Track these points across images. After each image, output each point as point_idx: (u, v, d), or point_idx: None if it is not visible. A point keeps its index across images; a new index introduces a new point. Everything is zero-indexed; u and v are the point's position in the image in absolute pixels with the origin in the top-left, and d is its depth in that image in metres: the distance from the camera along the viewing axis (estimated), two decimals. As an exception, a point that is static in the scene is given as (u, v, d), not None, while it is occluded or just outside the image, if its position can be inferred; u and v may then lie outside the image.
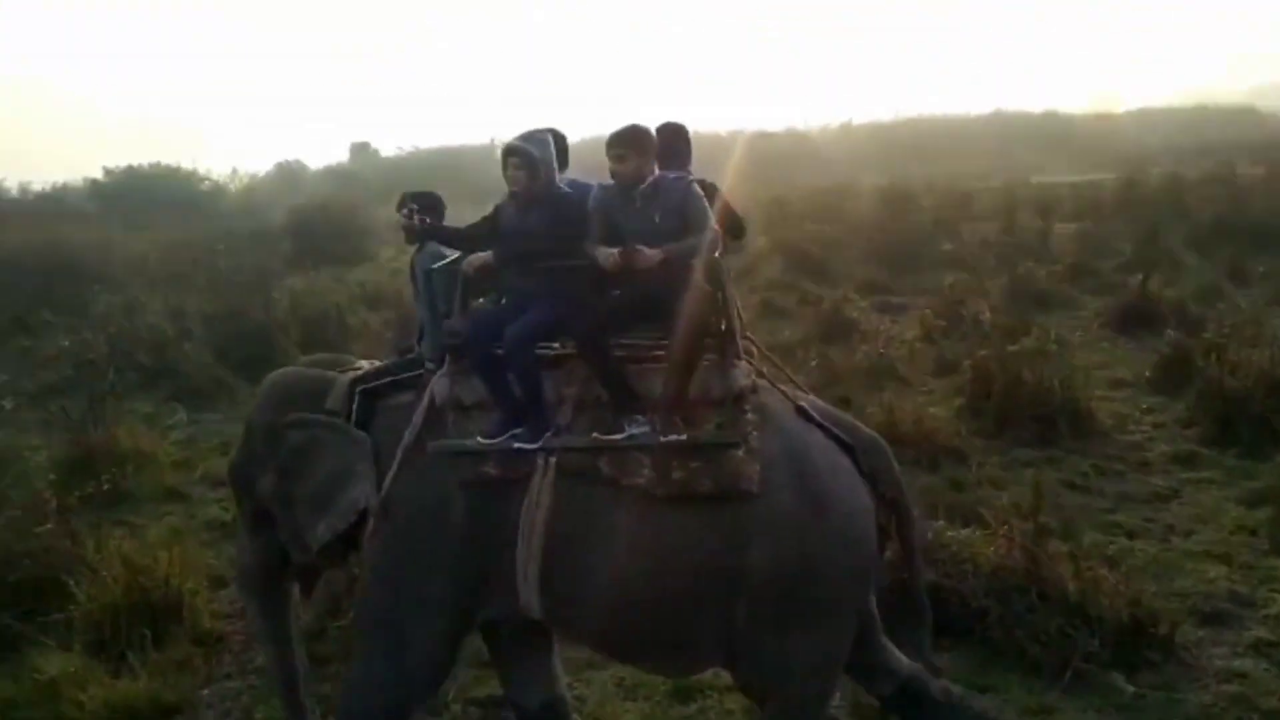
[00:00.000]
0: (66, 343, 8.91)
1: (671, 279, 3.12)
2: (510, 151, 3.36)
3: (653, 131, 3.31)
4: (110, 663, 4.47)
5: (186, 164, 41.22)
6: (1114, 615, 4.29)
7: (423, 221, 3.61)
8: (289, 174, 54.03)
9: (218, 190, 42.08)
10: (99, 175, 37.65)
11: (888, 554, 3.44)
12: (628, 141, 3.23)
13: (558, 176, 3.42)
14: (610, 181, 3.32)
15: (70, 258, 15.93)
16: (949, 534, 4.79)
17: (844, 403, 8.34)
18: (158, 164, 39.36)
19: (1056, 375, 7.29)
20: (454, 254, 3.53)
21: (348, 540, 3.41)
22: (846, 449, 3.16)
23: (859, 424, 3.36)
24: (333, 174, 51.23)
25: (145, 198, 34.93)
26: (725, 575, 3.02)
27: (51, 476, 5.64)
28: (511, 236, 3.38)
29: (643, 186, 3.24)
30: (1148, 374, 8.36)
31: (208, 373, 9.94)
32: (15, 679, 4.23)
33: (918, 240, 17.03)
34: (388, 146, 54.90)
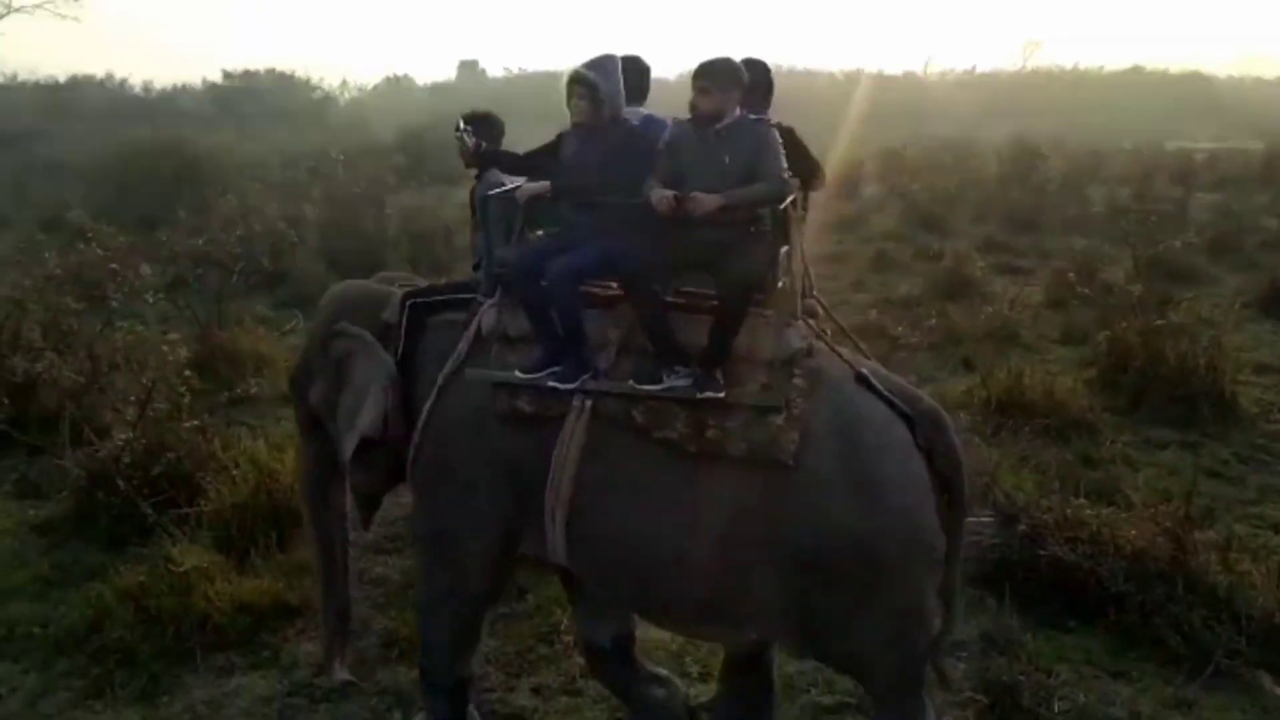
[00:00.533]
0: (199, 241, 9.13)
1: (732, 228, 2.97)
2: (574, 79, 3.18)
3: (742, 69, 3.08)
4: (236, 560, 4.62)
5: (300, 72, 42.24)
6: (1263, 612, 4.04)
7: (478, 145, 3.49)
8: (397, 88, 54.65)
9: (328, 100, 42.96)
10: (218, 78, 38.99)
11: None
12: (713, 74, 3.03)
13: (626, 108, 3.25)
14: (687, 116, 3.12)
15: (195, 159, 16.38)
16: (1088, 512, 4.56)
17: (966, 365, 8.12)
18: (273, 70, 40.49)
19: (1201, 355, 6.85)
20: (513, 182, 3.39)
21: (384, 466, 3.43)
22: (906, 420, 2.94)
23: (922, 394, 3.12)
24: (440, 91, 51.65)
25: (260, 103, 35.92)
26: (757, 543, 2.88)
27: (188, 373, 5.79)
28: (570, 168, 3.24)
29: (719, 125, 3.04)
30: (1298, 361, 7.82)
31: (321, 281, 10.15)
32: (152, 568, 4.38)
33: (1042, 200, 16.28)
34: (495, 66, 54.93)
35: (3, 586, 4.71)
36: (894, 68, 52.63)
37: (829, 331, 3.28)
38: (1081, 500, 4.70)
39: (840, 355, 3.11)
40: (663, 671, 3.77)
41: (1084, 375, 7.41)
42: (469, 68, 56.22)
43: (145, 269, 7.87)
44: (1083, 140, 28.55)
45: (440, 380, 3.26)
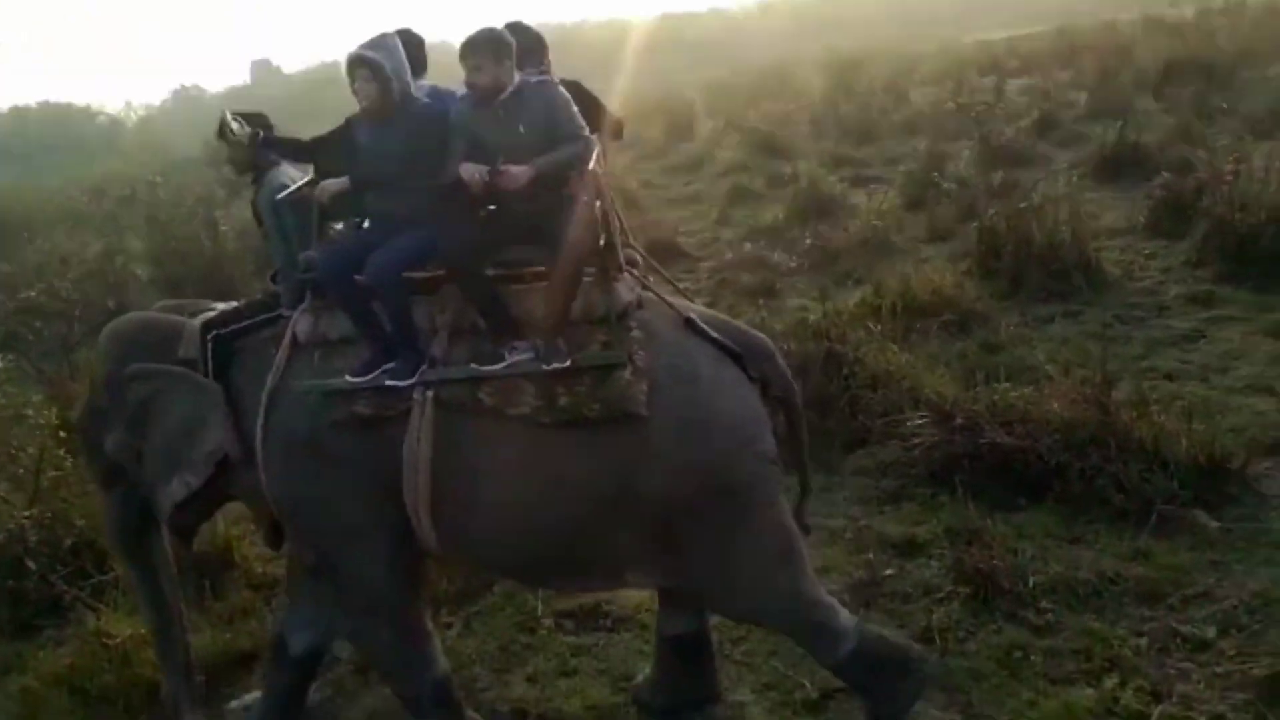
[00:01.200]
0: (30, 293, 8.29)
1: (546, 195, 2.95)
2: (355, 62, 3.03)
3: (508, 35, 3.00)
4: (169, 619, 4.24)
5: (77, 100, 38.99)
6: (1188, 457, 4.32)
7: (256, 134, 3.25)
8: (188, 101, 51.27)
9: (115, 125, 39.83)
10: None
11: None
12: (479, 48, 2.95)
13: (413, 86, 3.13)
14: (467, 91, 3.03)
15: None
16: (1013, 395, 4.74)
17: (847, 277, 8.30)
18: (45, 103, 37.19)
19: (1064, 229, 7.23)
20: (296, 181, 3.24)
21: (207, 498, 3.27)
22: (735, 357, 3.07)
23: (747, 329, 3.28)
24: (235, 95, 48.68)
25: (38, 140, 32.93)
26: (620, 496, 2.94)
27: (62, 434, 5.24)
28: (368, 157, 3.09)
29: (503, 96, 2.97)
30: (1143, 219, 8.36)
31: (169, 311, 9.44)
32: (79, 647, 3.97)
33: (872, 110, 16.81)
34: (291, 62, 52.16)
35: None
36: (700, 5, 52.88)
37: (651, 279, 3.29)
38: (1005, 384, 4.88)
39: (668, 302, 3.16)
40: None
41: (959, 268, 7.71)
42: (262, 67, 53.18)
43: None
44: (892, 48, 29.61)
45: (264, 399, 3.11)
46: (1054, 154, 11.76)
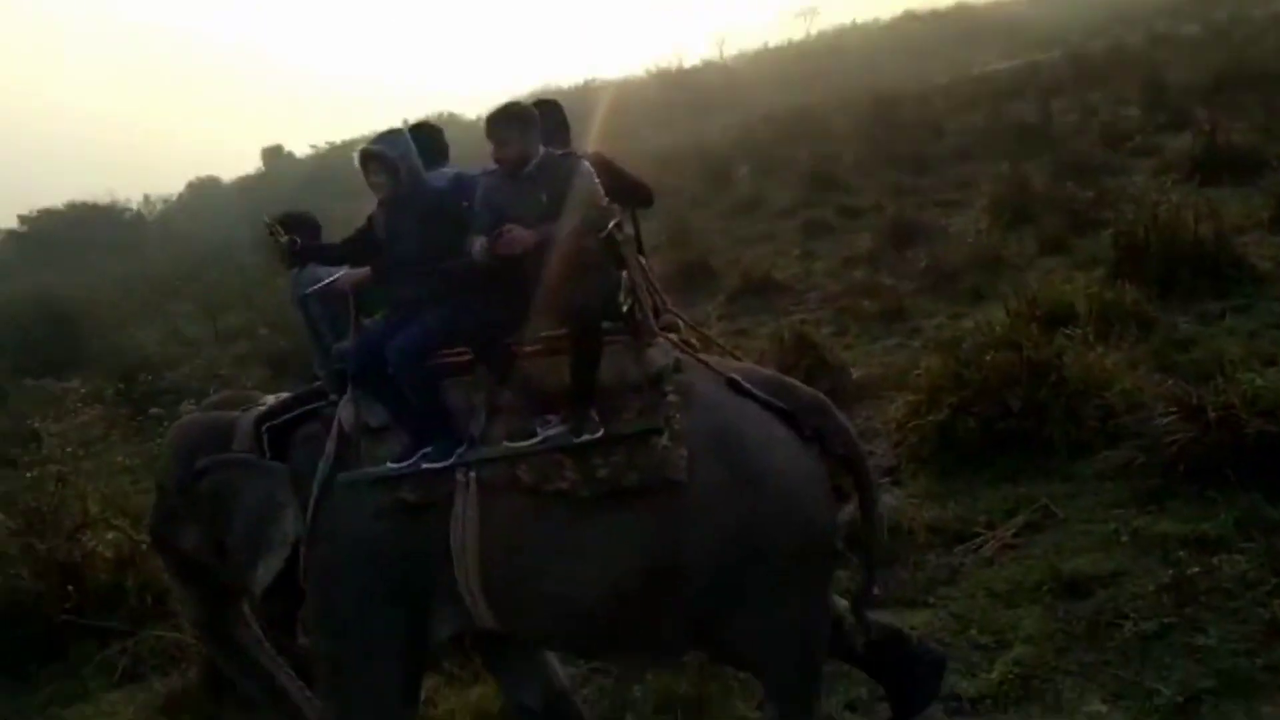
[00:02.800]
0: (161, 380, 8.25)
1: (560, 264, 2.91)
2: (367, 157, 3.14)
3: (532, 108, 3.08)
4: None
5: (99, 199, 39.39)
6: None
7: (294, 241, 3.30)
8: (204, 191, 51.94)
9: (139, 220, 40.26)
10: (13, 225, 35.80)
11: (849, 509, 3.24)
12: (506, 122, 3.00)
13: (432, 171, 3.24)
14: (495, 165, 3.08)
15: (64, 307, 14.77)
16: (1259, 383, 4.62)
17: (973, 294, 8.21)
18: (74, 203, 37.57)
19: (1202, 227, 7.19)
20: (331, 275, 3.35)
21: (292, 581, 3.20)
22: (785, 416, 2.98)
23: (797, 385, 3.18)
24: (249, 184, 49.34)
25: (69, 239, 33.19)
26: (667, 566, 2.86)
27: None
28: (388, 245, 3.17)
29: (528, 168, 3.00)
30: (1267, 215, 8.33)
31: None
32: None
33: (917, 141, 16.93)
34: (300, 146, 53.00)
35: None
36: (691, 59, 53.79)
37: (696, 344, 3.27)
38: (1251, 374, 4.76)
39: (708, 365, 3.11)
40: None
41: (1093, 275, 7.65)
42: (274, 153, 53.90)
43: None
44: (893, 86, 30.04)
45: (315, 490, 3.09)
46: (1132, 163, 11.80)
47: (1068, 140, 12.95)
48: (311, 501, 3.09)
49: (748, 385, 3.00)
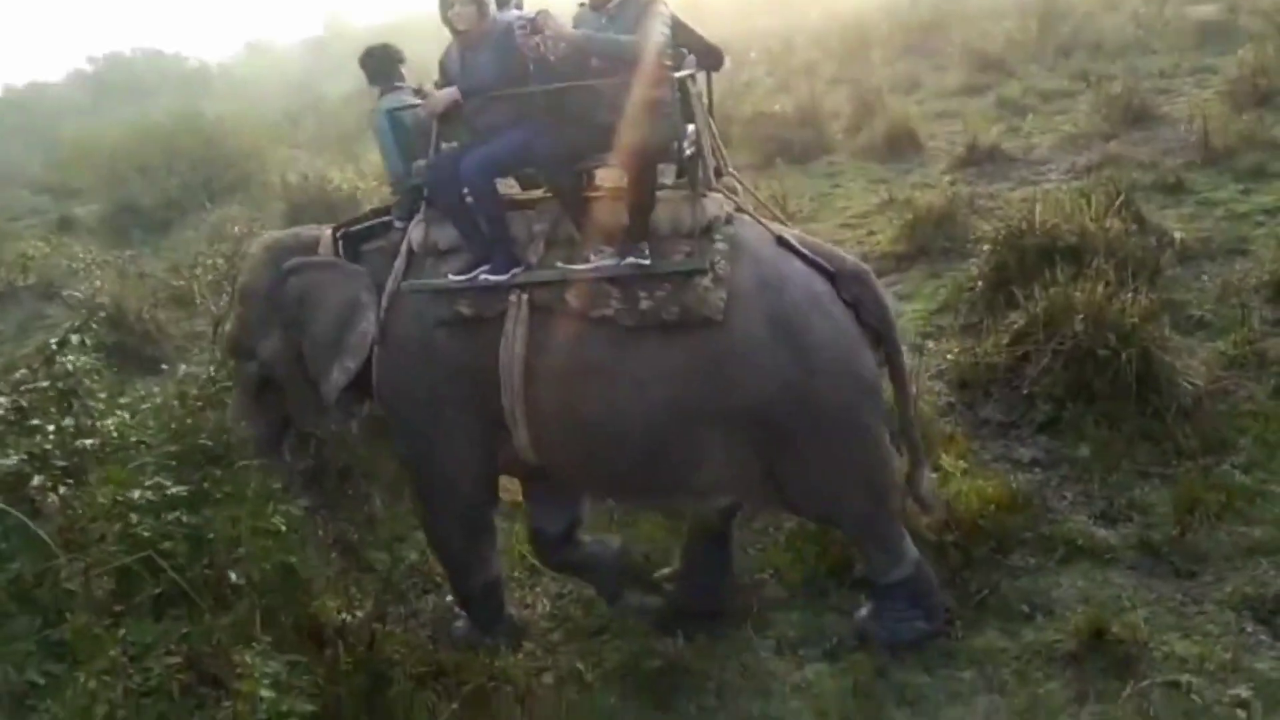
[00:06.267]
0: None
1: (634, 103, 3.09)
2: None
3: None
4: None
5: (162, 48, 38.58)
6: None
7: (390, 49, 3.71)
8: (261, 52, 50.80)
9: (204, 70, 39.41)
10: (82, 66, 35.14)
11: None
12: None
13: (499, 11, 3.46)
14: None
15: (213, 133, 14.42)
16: None
17: (1255, 170, 7.83)
18: (140, 48, 36.85)
19: None
20: (415, 100, 3.57)
21: (360, 386, 3.42)
22: (828, 277, 3.14)
23: (842, 252, 3.37)
24: (309, 47, 48.18)
25: (136, 83, 32.63)
26: (702, 407, 3.02)
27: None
28: (467, 75, 3.38)
29: (610, 4, 3.20)
30: None
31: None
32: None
33: (1093, 30, 16.05)
34: (361, 14, 51.47)
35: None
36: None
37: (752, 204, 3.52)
38: None
39: (761, 222, 3.30)
40: (598, 538, 3.90)
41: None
42: (334, 18, 52.30)
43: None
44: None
45: (384, 300, 3.36)
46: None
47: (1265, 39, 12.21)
48: (382, 308, 3.34)
49: (795, 243, 3.20)
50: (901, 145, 10.87)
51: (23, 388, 3.16)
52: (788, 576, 3.92)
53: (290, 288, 3.46)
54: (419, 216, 3.38)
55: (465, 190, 3.23)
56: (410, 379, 3.30)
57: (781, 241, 3.20)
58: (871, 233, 8.30)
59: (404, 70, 3.76)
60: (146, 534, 2.64)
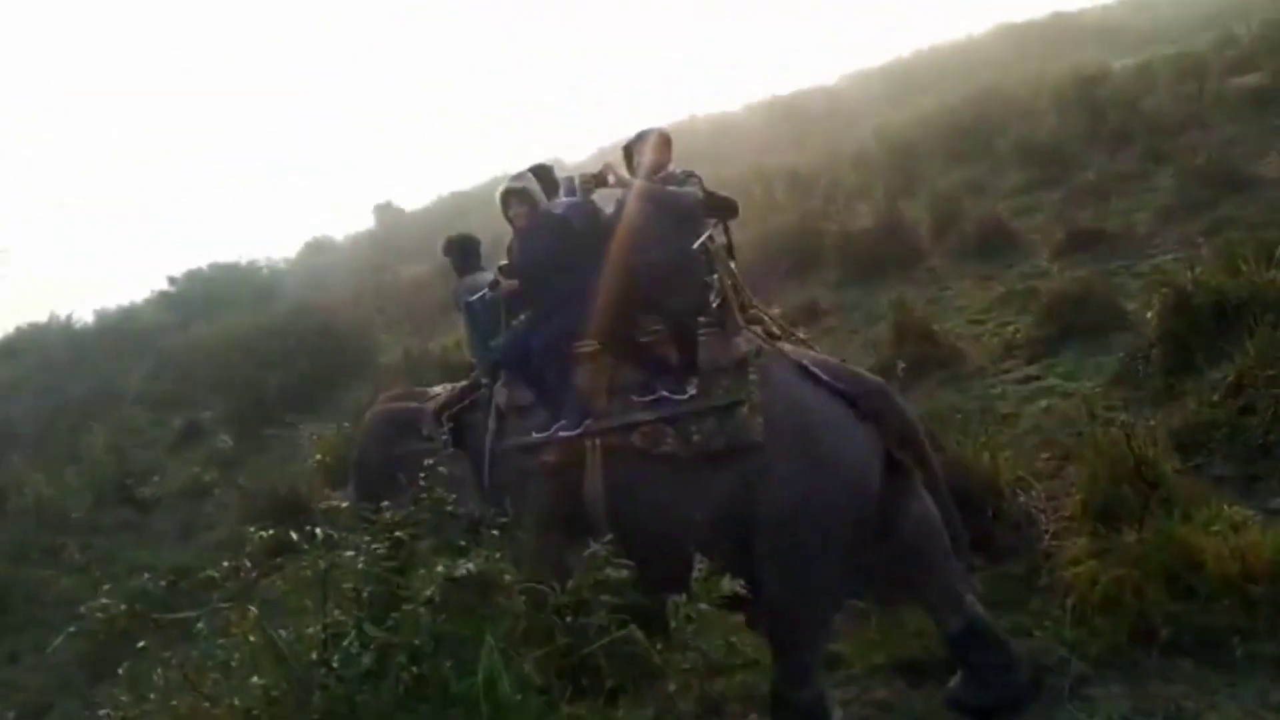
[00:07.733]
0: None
1: (667, 275, 3.83)
2: (508, 194, 4.14)
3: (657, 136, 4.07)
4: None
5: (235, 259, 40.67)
6: None
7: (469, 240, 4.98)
8: (320, 250, 53.36)
9: (275, 275, 41.46)
10: (164, 287, 37.05)
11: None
12: (648, 137, 4.03)
13: (551, 200, 4.22)
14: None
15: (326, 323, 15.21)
16: None
17: None
18: (215, 263, 38.87)
19: None
20: (482, 286, 4.30)
21: None
22: (848, 400, 3.56)
23: (863, 373, 3.83)
24: (363, 240, 50.55)
25: (218, 294, 34.34)
26: (740, 515, 3.46)
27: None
28: (522, 264, 4.12)
29: (660, 175, 3.97)
30: None
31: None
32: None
33: (1125, 117, 16.53)
34: (411, 202, 54.19)
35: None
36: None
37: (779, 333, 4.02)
38: None
39: (784, 353, 3.79)
40: None
41: None
42: (384, 209, 55.17)
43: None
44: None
45: (486, 456, 3.97)
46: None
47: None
48: (486, 465, 3.94)
49: (815, 370, 3.65)
50: (995, 241, 11.12)
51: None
52: (1089, 650, 3.88)
53: (407, 468, 3.76)
54: (499, 382, 4.06)
55: (534, 360, 3.92)
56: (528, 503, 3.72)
57: (802, 369, 3.67)
58: (1005, 324, 8.44)
59: (480, 250, 4.69)
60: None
